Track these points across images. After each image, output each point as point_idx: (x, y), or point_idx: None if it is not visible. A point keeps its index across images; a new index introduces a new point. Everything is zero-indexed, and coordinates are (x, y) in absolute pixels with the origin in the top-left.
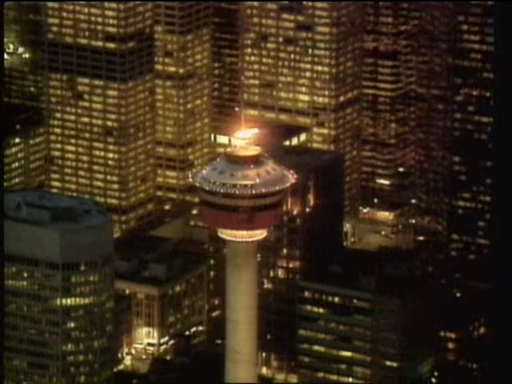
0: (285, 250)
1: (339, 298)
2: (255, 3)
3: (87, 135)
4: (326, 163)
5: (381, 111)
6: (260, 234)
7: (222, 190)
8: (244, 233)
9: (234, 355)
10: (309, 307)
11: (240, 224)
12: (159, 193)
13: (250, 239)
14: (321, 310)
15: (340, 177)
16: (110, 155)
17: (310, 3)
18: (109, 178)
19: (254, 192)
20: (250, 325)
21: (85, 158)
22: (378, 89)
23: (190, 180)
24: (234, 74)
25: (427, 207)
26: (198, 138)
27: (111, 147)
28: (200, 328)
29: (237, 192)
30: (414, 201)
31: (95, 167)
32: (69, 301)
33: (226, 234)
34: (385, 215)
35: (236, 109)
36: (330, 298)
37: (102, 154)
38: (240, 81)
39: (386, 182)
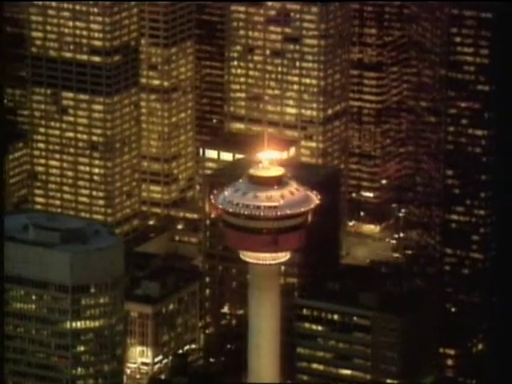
0: (282, 267)
1: (338, 316)
2: (242, 15)
3: (72, 150)
4: (323, 178)
5: (366, 123)
6: (283, 257)
7: (245, 212)
8: (268, 255)
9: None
10: (307, 325)
11: (264, 246)
12: (143, 208)
13: (274, 262)
14: (319, 328)
15: (337, 192)
16: (96, 170)
17: (297, 15)
18: (94, 193)
19: (278, 214)
20: (272, 349)
21: (69, 173)
22: (363, 101)
23: (212, 201)
24: (220, 86)
25: (418, 221)
26: (182, 152)
27: (97, 162)
28: (193, 346)
29: (261, 214)
30: (401, 214)
31: (80, 183)
32: (78, 324)
33: (248, 256)
34: (371, 228)
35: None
36: (328, 316)
37: (88, 169)
38: (226, 94)
39: (370, 195)
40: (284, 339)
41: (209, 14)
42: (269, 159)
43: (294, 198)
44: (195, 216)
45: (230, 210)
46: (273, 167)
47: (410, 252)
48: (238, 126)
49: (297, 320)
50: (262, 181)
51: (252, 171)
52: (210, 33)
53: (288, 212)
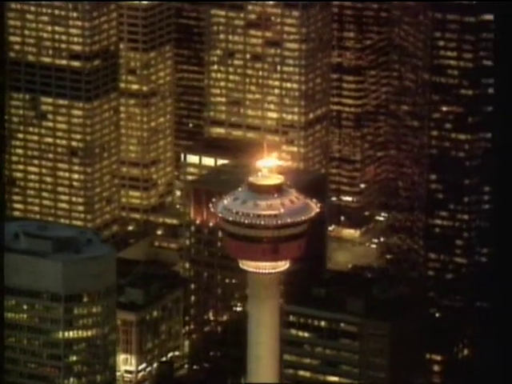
0: None
1: (325, 322)
2: (222, 19)
3: (51, 156)
4: (310, 183)
5: (346, 127)
6: (283, 265)
7: (245, 221)
8: (268, 264)
9: None
10: (294, 331)
11: (264, 255)
12: (123, 213)
13: (274, 270)
14: (306, 334)
15: (324, 197)
16: (75, 176)
17: (278, 19)
18: (74, 199)
19: (279, 222)
20: (272, 360)
21: (48, 179)
22: (343, 105)
23: (211, 210)
24: (199, 91)
25: (401, 225)
26: (161, 157)
27: (76, 168)
28: (177, 353)
29: (261, 222)
30: (381, 218)
31: (59, 188)
32: (71, 333)
33: (248, 265)
34: (351, 233)
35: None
36: (315, 322)
37: (67, 174)
38: (206, 98)
39: (350, 199)
40: None
41: (188, 18)
42: (268, 167)
43: (294, 207)
44: (175, 221)
45: (230, 219)
46: (272, 175)
47: (392, 257)
48: (218, 130)
49: (283, 327)
50: (262, 189)
51: (252, 179)
52: (188, 37)
53: (288, 220)
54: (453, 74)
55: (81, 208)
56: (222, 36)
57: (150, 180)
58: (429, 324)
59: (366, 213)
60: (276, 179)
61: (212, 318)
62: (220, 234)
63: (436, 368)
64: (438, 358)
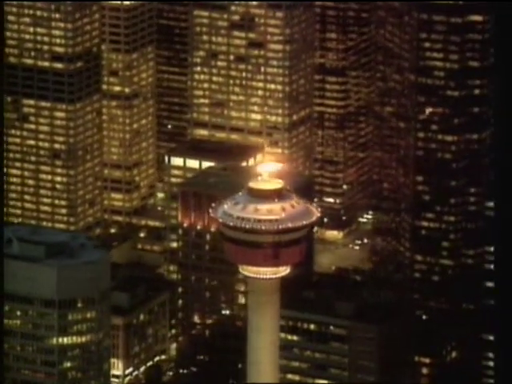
0: None
1: (314, 325)
2: (205, 20)
3: (33, 158)
4: (298, 187)
5: (329, 128)
6: (284, 271)
7: (246, 226)
8: (268, 269)
9: None
10: (283, 335)
11: (265, 260)
12: (106, 216)
13: (274, 276)
14: (295, 338)
15: (311, 200)
16: (58, 179)
17: (262, 20)
18: (56, 202)
19: (280, 227)
20: (272, 365)
21: (31, 181)
22: (326, 106)
23: (211, 215)
24: (182, 92)
25: (386, 227)
26: (143, 159)
27: (59, 170)
28: (163, 357)
29: (262, 227)
30: (364, 220)
31: (42, 191)
32: (65, 339)
33: (248, 270)
34: (334, 234)
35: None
36: (304, 325)
37: (49, 177)
38: (189, 100)
39: (333, 201)
40: None
41: (169, 19)
42: (268, 171)
43: (295, 211)
44: (157, 224)
45: (231, 224)
46: (272, 180)
47: (377, 259)
48: (202, 132)
49: None
50: (262, 194)
51: (252, 184)
52: (170, 38)
53: (290, 225)
54: (439, 75)
55: (64, 211)
56: (205, 37)
57: (133, 182)
58: (417, 326)
59: (349, 214)
60: (276, 184)
61: (199, 321)
62: (208, 236)
63: (424, 371)
64: (427, 360)
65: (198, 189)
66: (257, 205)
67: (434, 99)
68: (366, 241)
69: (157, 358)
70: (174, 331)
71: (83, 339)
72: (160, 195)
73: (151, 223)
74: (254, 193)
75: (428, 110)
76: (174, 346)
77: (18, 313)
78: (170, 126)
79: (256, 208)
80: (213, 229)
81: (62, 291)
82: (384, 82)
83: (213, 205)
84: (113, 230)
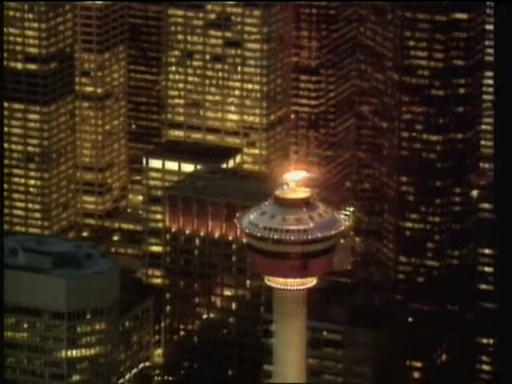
0: (248, 282)
1: (308, 331)
2: (180, 19)
3: (6, 161)
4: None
5: (306, 128)
6: (311, 282)
7: (275, 236)
8: (296, 281)
9: None
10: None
11: (293, 271)
12: (80, 219)
13: (302, 287)
14: None
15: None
16: (32, 182)
17: (238, 19)
18: (30, 206)
19: (309, 237)
20: (299, 379)
21: (4, 185)
22: (302, 105)
23: (237, 226)
24: (156, 93)
25: (369, 228)
26: (115, 161)
27: (33, 174)
28: (147, 364)
29: (291, 238)
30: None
31: (15, 195)
32: (74, 352)
33: (275, 281)
34: None
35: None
36: None
37: (23, 181)
38: (163, 100)
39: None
40: (250, 356)
41: (143, 18)
42: (295, 180)
43: (323, 220)
44: (131, 227)
45: (258, 234)
46: (299, 188)
47: (358, 259)
48: (177, 133)
49: (264, 336)
50: (290, 203)
51: (278, 193)
52: (144, 37)
53: (319, 235)
54: (423, 74)
55: (38, 215)
56: (180, 36)
57: (105, 184)
58: (407, 330)
59: None
60: (303, 192)
61: (188, 327)
62: (197, 241)
63: (416, 375)
64: (418, 364)
65: (187, 193)
66: (284, 214)
67: (419, 98)
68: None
69: (141, 365)
70: (157, 337)
71: (92, 351)
72: (135, 197)
73: (125, 226)
74: (281, 202)
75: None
76: (157, 352)
77: (25, 325)
78: (133, 126)
79: (284, 218)
80: (202, 233)
81: (71, 303)
82: (363, 81)
83: (237, 214)
84: (85, 234)
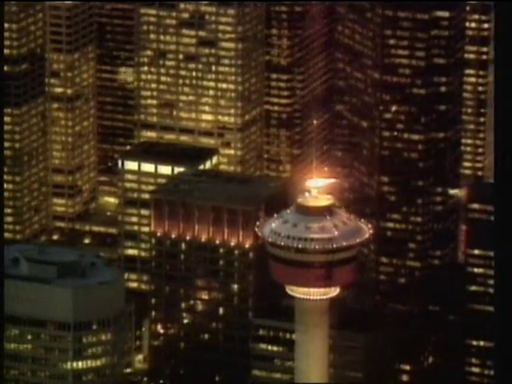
0: (235, 286)
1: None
2: (152, 19)
3: None
4: (275, 191)
5: (277, 127)
6: (334, 291)
7: (298, 245)
8: (319, 290)
9: None
10: (263, 346)
11: (317, 281)
12: (52, 222)
13: (324, 297)
14: (276, 348)
15: (287, 206)
16: (4, 185)
17: (212, 18)
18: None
19: (334, 246)
20: None
21: None
22: (275, 104)
23: (259, 234)
24: (126, 93)
25: None
26: (85, 162)
27: (4, 177)
28: (128, 370)
29: (316, 246)
30: None
31: None
32: (80, 364)
33: (297, 291)
34: None
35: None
36: (286, 335)
37: None
38: (135, 100)
39: None
40: (238, 361)
41: (113, 18)
42: (317, 187)
43: (347, 228)
44: (102, 229)
45: (281, 243)
46: (321, 196)
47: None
48: (149, 134)
49: (252, 341)
50: (313, 211)
51: (301, 201)
52: (114, 37)
53: (344, 244)
54: (404, 72)
55: (10, 219)
56: (152, 36)
57: (75, 187)
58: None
59: None
60: (326, 200)
61: (172, 332)
62: (183, 246)
63: (405, 378)
64: (407, 367)
65: (172, 196)
66: (307, 223)
67: (400, 97)
68: None
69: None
70: (138, 343)
71: (98, 363)
72: (104, 199)
73: (96, 229)
74: (303, 210)
75: (393, 108)
76: (138, 358)
77: (29, 336)
78: (101, 129)
79: (307, 226)
80: (188, 237)
81: (77, 313)
82: (342, 80)
83: (257, 223)
84: (55, 237)
